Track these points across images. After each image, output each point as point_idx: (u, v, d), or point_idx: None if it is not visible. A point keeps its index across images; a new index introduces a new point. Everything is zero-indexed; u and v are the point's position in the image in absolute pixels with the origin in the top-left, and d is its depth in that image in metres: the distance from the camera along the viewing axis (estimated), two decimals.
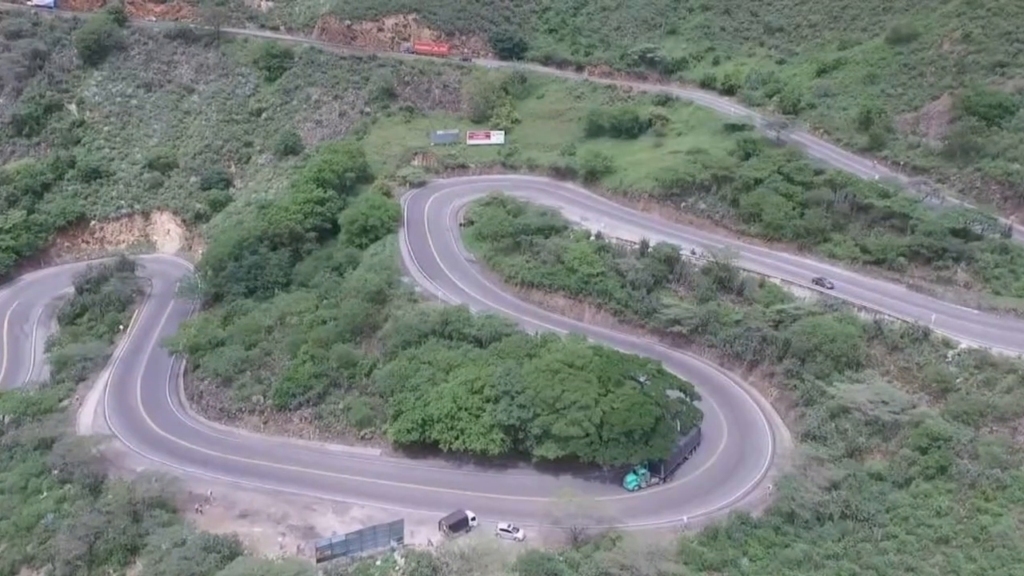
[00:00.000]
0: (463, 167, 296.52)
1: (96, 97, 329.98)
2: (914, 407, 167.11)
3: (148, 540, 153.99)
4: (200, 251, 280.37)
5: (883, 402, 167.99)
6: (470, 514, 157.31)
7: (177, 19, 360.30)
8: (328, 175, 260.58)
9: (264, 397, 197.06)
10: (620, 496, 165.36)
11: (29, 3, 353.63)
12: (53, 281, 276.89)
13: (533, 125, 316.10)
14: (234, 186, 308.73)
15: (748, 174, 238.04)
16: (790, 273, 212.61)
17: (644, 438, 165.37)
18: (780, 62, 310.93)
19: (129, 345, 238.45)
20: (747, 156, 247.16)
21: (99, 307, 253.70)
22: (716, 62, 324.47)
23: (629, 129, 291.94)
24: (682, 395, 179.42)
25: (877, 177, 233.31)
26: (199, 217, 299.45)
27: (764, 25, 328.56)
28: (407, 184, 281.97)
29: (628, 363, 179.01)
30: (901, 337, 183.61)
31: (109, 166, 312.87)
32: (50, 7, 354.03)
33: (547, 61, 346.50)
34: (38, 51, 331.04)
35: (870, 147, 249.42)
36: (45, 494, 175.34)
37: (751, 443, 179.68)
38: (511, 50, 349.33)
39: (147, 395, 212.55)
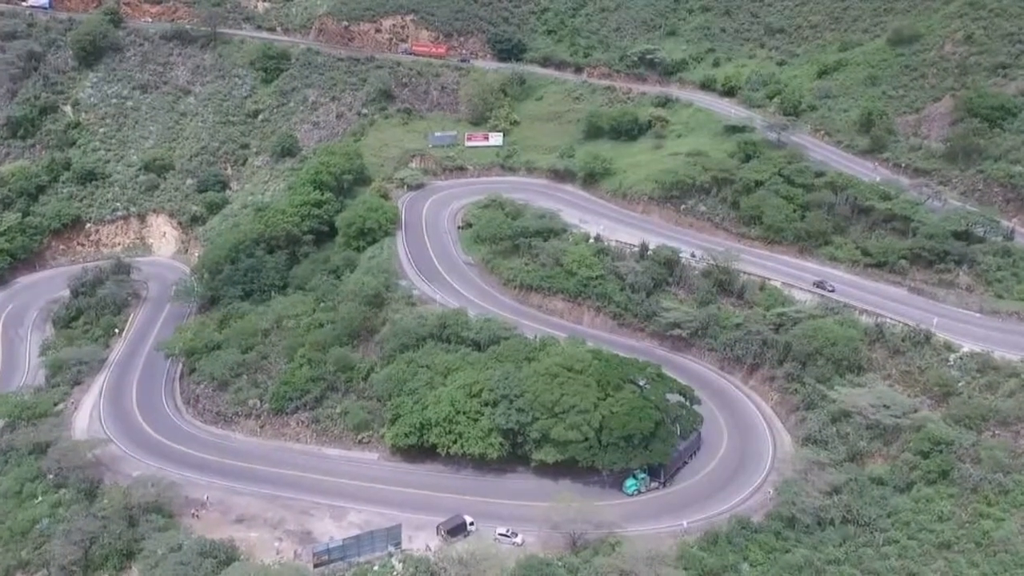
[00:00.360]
0: (461, 169, 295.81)
1: (91, 99, 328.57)
2: (916, 411, 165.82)
3: (144, 545, 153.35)
4: (196, 254, 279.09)
5: (884, 406, 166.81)
6: (468, 519, 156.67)
7: (173, 20, 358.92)
8: (325, 177, 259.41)
9: (260, 401, 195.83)
10: (619, 501, 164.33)
11: (24, 4, 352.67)
12: (48, 284, 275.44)
13: (532, 127, 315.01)
14: (230, 188, 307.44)
15: (748, 176, 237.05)
16: (791, 276, 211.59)
17: (643, 442, 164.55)
18: (781, 63, 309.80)
19: (125, 349, 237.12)
20: (747, 158, 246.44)
21: (94, 310, 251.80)
22: (716, 63, 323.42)
23: (628, 131, 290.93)
24: (682, 399, 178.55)
25: (878, 179, 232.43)
26: (195, 220, 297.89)
27: (764, 26, 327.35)
28: (405, 186, 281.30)
29: (627, 367, 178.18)
30: (903, 340, 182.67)
31: (104, 168, 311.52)
32: (45, 8, 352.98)
33: (546, 62, 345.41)
34: (33, 52, 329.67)
35: (871, 149, 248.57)
36: (40, 499, 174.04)
37: (751, 447, 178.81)
38: (510, 51, 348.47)
39: (143, 399, 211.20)
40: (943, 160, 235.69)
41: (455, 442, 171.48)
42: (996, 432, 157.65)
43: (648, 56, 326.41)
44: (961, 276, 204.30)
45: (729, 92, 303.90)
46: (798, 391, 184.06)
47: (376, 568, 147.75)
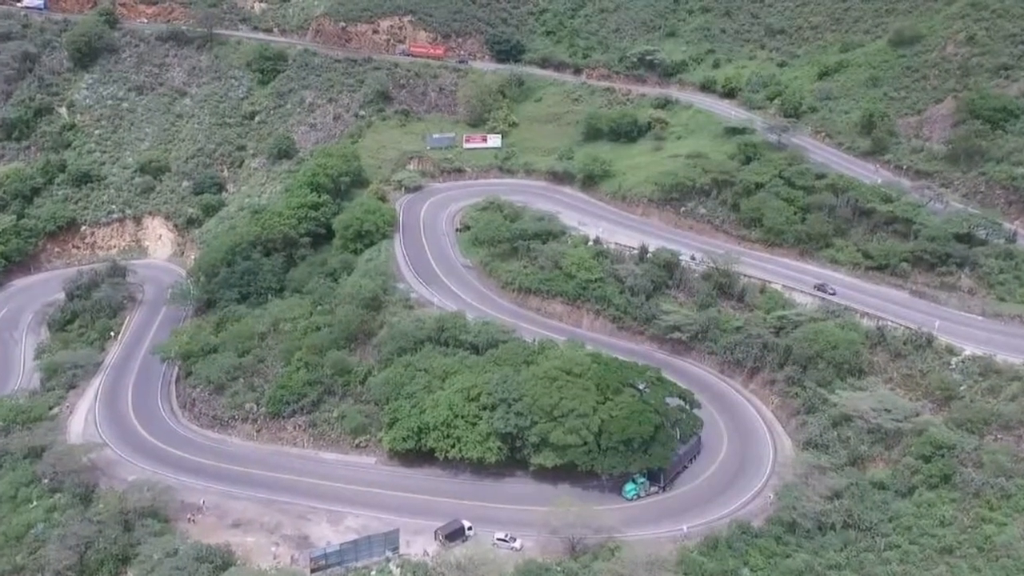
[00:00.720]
0: (459, 171, 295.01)
1: (87, 100, 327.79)
2: (917, 415, 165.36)
3: (139, 550, 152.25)
4: (192, 257, 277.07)
5: (886, 410, 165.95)
6: (466, 523, 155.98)
7: (169, 21, 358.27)
8: (322, 179, 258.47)
9: (257, 405, 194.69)
10: (619, 505, 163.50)
11: (19, 5, 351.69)
12: (43, 287, 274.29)
13: (530, 128, 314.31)
14: (227, 191, 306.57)
15: (749, 178, 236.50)
16: (791, 279, 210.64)
17: (643, 446, 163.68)
18: (781, 65, 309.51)
19: (120, 352, 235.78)
20: (748, 160, 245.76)
21: (90, 313, 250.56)
22: (716, 65, 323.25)
23: (628, 132, 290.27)
24: (682, 403, 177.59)
25: (880, 181, 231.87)
26: (191, 222, 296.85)
27: (765, 27, 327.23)
28: (402, 189, 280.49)
29: (627, 370, 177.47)
30: (904, 344, 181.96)
31: (100, 170, 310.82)
32: (40, 9, 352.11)
33: (545, 63, 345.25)
34: (28, 53, 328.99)
35: (872, 151, 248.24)
36: (35, 503, 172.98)
37: (752, 452, 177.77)
38: (508, 52, 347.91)
39: (138, 403, 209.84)
40: (945, 162, 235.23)
41: (453, 446, 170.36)
42: (998, 436, 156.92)
43: (648, 57, 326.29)
44: (963, 279, 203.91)
45: (729, 93, 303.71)
46: (799, 395, 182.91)
47: (374, 573, 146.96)
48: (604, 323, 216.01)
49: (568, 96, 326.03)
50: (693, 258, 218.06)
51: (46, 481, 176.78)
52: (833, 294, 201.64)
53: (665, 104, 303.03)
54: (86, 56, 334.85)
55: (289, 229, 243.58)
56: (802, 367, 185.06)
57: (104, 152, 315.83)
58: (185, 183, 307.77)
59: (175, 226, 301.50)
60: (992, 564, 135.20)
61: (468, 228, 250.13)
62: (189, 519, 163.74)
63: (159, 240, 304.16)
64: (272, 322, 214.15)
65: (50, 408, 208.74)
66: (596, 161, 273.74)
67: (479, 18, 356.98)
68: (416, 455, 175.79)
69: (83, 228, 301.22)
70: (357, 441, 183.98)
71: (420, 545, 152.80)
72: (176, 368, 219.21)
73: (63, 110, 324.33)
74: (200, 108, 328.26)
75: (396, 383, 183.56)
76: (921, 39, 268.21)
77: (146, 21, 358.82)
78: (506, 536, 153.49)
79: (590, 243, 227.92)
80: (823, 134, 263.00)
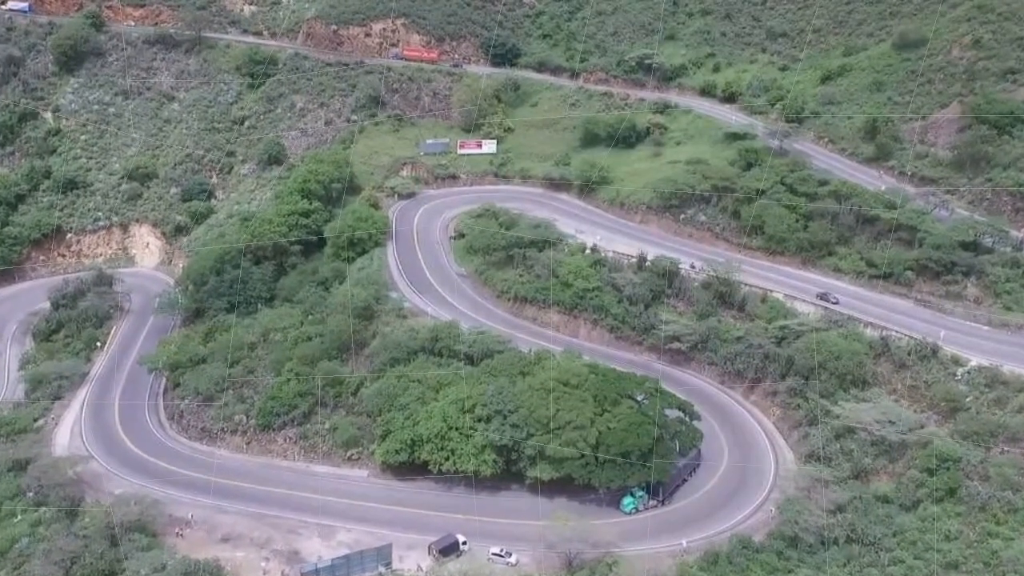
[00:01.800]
0: (454, 177, 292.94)
1: (72, 105, 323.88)
2: (922, 427, 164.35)
3: (126, 565, 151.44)
4: (180, 265, 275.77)
5: (890, 421, 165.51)
6: (461, 538, 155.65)
7: (156, 24, 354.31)
8: (313, 186, 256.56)
9: (247, 416, 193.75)
10: (617, 519, 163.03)
11: (3, 7, 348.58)
12: (28, 296, 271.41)
13: (526, 134, 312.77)
14: (216, 197, 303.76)
15: (750, 185, 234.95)
16: (793, 288, 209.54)
17: (642, 459, 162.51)
18: (783, 69, 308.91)
19: (107, 363, 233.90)
20: (749, 166, 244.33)
21: (76, 323, 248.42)
22: (716, 69, 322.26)
23: (626, 138, 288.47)
24: (681, 414, 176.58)
25: (883, 188, 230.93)
26: (179, 230, 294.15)
27: (766, 30, 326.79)
28: (395, 195, 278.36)
29: (625, 381, 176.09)
30: (909, 354, 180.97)
31: (86, 176, 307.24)
32: (25, 11, 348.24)
33: (541, 68, 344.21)
34: (12, 57, 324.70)
35: (876, 157, 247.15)
36: (19, 517, 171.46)
37: (753, 464, 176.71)
38: (503, 56, 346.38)
39: (125, 415, 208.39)
40: (950, 168, 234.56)
41: (447, 459, 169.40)
42: (1005, 448, 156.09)
43: (646, 61, 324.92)
44: (969, 288, 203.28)
45: (730, 98, 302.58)
46: (801, 406, 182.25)
47: None
48: (602, 333, 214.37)
49: (565, 101, 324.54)
50: (693, 266, 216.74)
51: (31, 495, 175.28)
52: (836, 303, 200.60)
53: (664, 109, 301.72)
54: (72, 60, 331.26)
55: (279, 237, 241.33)
56: (804, 378, 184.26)
57: (90, 158, 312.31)
58: (173, 190, 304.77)
59: (163, 234, 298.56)
60: None
61: (462, 236, 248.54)
62: (177, 533, 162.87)
63: (146, 248, 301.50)
64: (262, 332, 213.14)
65: (35, 420, 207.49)
66: (593, 167, 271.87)
67: (474, 21, 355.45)
68: (409, 468, 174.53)
69: (69, 236, 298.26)
70: (349, 454, 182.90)
71: (413, 560, 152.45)
72: (164, 379, 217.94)
73: (48, 115, 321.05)
74: (188, 113, 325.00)
75: (389, 394, 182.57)
76: (926, 43, 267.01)
77: (133, 24, 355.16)
78: (501, 551, 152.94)
79: (587, 251, 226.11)
80: (826, 139, 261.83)
